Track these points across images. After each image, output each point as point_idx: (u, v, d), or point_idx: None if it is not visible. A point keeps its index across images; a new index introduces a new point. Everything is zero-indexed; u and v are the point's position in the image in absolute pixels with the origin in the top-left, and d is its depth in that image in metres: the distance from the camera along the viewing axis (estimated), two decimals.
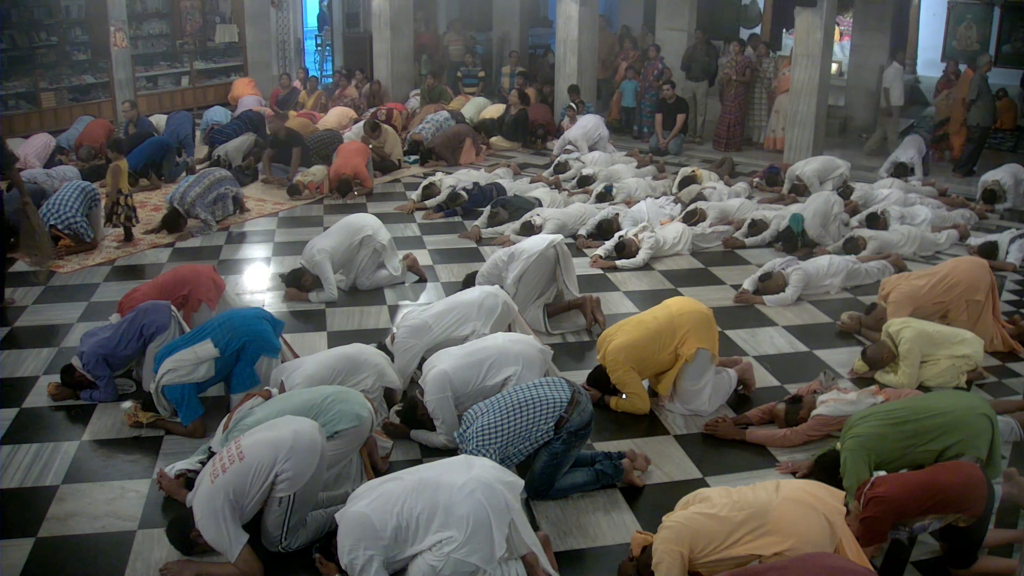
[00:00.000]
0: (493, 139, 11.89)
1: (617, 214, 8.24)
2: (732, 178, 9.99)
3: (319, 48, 16.94)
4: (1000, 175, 9.22)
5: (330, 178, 9.55)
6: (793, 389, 5.14)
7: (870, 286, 6.94)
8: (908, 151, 10.07)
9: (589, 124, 11.23)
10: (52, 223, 7.43)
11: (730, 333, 6.10)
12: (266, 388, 4.59)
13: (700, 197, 8.70)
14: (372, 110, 12.12)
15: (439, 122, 11.49)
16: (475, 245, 8.00)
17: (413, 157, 11.04)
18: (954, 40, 16.52)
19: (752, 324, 6.33)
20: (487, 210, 8.42)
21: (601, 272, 7.33)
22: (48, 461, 4.53)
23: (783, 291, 6.67)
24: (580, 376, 5.22)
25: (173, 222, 8.18)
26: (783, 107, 11.30)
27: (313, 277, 6.61)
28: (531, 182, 9.76)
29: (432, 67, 14.50)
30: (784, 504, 3.43)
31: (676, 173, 9.63)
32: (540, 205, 8.49)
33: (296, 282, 6.64)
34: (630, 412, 5.01)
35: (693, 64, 12.36)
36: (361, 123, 11.25)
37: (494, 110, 12.40)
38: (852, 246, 7.58)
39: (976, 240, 7.87)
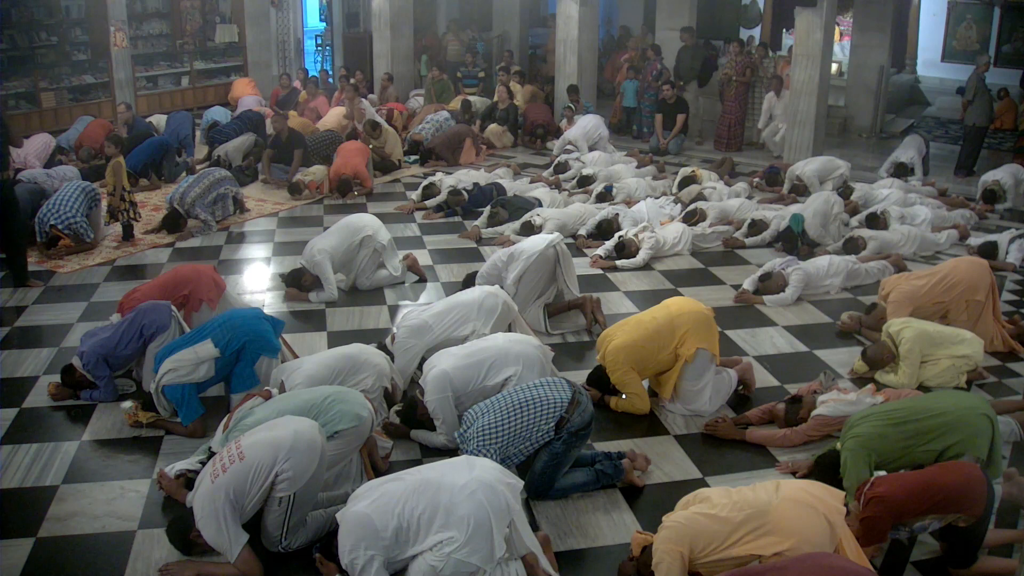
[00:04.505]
0: (489, 128, 11.84)
1: (617, 214, 8.24)
2: (732, 178, 9.99)
3: (319, 48, 16.92)
4: (1000, 175, 9.21)
5: (330, 178, 9.55)
6: (793, 389, 5.14)
7: (870, 286, 6.94)
8: (908, 151, 10.06)
9: (589, 124, 11.22)
10: (52, 223, 7.43)
11: (730, 333, 6.10)
12: (266, 388, 4.59)
13: (700, 197, 8.70)
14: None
15: (439, 122, 11.49)
16: (475, 245, 8.00)
17: (413, 157, 11.04)
18: (954, 40, 16.54)
19: (752, 324, 6.33)
20: (487, 210, 8.41)
21: (601, 272, 7.33)
22: (48, 461, 4.53)
23: (783, 291, 6.67)
24: (580, 376, 5.22)
25: (173, 222, 8.17)
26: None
27: (313, 277, 6.61)
28: (531, 182, 9.75)
29: (433, 67, 14.50)
30: (784, 504, 3.43)
31: (676, 173, 9.63)
32: (540, 205, 8.49)
33: (296, 282, 6.63)
34: (630, 412, 5.01)
35: (680, 67, 12.35)
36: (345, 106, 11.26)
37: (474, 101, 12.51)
38: (852, 246, 7.58)
39: (976, 240, 7.86)
